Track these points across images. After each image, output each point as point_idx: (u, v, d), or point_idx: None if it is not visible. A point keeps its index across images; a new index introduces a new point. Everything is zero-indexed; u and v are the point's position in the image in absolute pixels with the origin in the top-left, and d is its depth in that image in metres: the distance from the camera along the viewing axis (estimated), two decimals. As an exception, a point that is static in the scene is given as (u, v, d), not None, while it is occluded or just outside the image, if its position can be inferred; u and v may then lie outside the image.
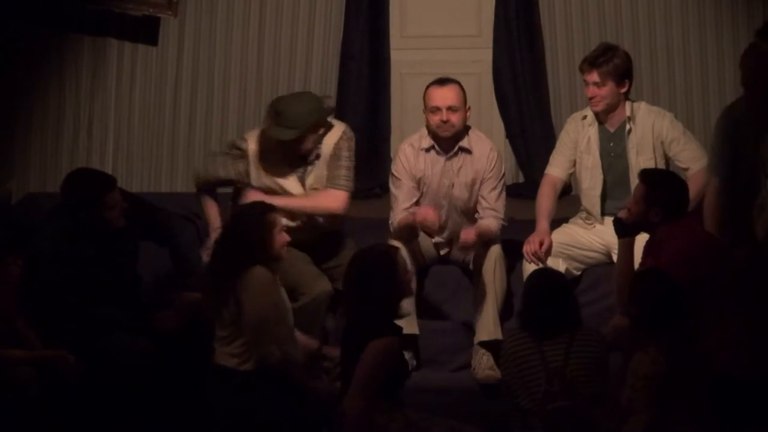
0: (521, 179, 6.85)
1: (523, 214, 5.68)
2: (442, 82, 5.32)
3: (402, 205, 5.32)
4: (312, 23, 7.36)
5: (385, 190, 6.17)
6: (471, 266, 5.35)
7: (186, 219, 6.04)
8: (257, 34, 7.24)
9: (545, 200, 5.34)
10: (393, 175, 5.50)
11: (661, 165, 5.26)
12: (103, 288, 5.34)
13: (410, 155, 5.33)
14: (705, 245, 4.71)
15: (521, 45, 7.20)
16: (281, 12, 7.39)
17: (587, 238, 5.22)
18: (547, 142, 6.61)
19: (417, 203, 5.44)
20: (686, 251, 4.60)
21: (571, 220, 5.39)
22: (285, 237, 4.59)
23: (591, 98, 5.18)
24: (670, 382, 4.24)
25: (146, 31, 7.11)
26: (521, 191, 6.55)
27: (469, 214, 5.33)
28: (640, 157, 5.25)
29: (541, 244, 5.15)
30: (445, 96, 5.23)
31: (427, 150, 5.30)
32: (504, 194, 5.28)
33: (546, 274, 4.67)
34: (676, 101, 6.88)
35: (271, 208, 4.73)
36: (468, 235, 5.08)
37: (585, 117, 5.43)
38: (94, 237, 5.31)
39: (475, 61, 7.24)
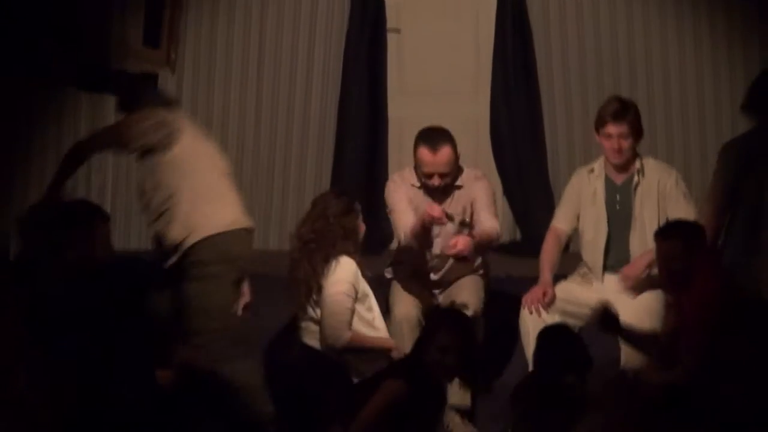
0: (518, 236, 6.87)
1: (520, 271, 5.70)
2: (433, 145, 5.24)
3: (407, 214, 5.30)
4: (310, 78, 7.45)
5: (382, 245, 6.25)
6: None
7: None
8: (255, 90, 7.34)
9: (549, 253, 5.41)
10: (387, 199, 5.52)
11: (662, 220, 5.33)
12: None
13: (399, 184, 5.34)
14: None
15: (519, 101, 7.27)
16: (279, 69, 7.52)
17: (585, 295, 5.21)
18: (545, 198, 6.67)
19: None
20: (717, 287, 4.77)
21: (569, 277, 5.39)
22: (364, 226, 4.91)
23: (617, 150, 5.26)
24: None
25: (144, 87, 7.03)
26: (518, 248, 6.58)
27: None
28: (644, 211, 5.30)
29: (544, 295, 5.19)
30: (437, 163, 5.23)
31: (418, 187, 5.33)
32: (496, 212, 5.35)
33: (559, 329, 4.68)
34: (673, 150, 6.97)
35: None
36: (458, 242, 5.03)
37: (592, 170, 5.52)
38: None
39: (473, 117, 7.29)
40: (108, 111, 7.02)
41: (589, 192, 5.51)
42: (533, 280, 5.38)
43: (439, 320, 4.71)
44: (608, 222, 5.44)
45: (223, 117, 7.07)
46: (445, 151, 5.24)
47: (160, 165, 4.97)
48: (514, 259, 6.22)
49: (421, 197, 5.32)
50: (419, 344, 4.59)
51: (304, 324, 4.90)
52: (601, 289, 5.21)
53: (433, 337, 4.59)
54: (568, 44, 7.44)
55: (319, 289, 4.78)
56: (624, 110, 5.23)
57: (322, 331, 4.81)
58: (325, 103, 7.35)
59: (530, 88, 7.29)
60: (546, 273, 5.34)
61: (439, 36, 7.60)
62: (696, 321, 4.86)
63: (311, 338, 5.03)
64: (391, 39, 7.53)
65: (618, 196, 5.46)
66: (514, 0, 7.33)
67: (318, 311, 4.87)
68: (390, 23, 7.50)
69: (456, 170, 5.31)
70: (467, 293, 5.22)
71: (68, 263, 4.95)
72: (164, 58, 7.06)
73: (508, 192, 6.91)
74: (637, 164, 5.33)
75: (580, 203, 5.56)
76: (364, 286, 4.91)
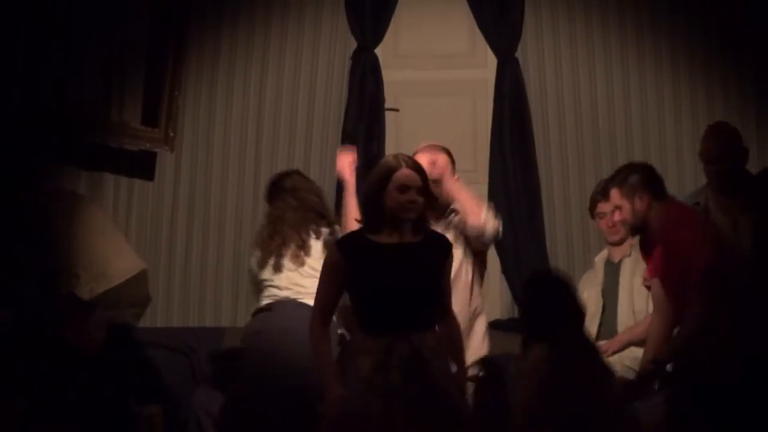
0: (516, 314, 6.86)
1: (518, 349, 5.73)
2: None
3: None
4: (308, 159, 7.43)
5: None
6: None
7: (181, 353, 6.16)
8: (252, 169, 7.34)
9: None
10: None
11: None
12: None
13: None
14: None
15: (516, 179, 7.28)
16: (277, 149, 7.49)
17: None
18: (543, 275, 6.65)
19: None
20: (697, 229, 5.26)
21: None
22: None
23: (610, 227, 5.86)
24: None
25: (143, 166, 7.20)
26: (517, 326, 6.53)
27: None
28: (634, 282, 5.77)
29: None
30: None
31: None
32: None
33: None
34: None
35: None
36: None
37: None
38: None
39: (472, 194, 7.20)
40: (106, 190, 7.17)
41: (593, 275, 6.02)
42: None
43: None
44: (603, 297, 5.83)
45: (221, 194, 7.10)
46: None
47: None
48: (513, 337, 6.20)
49: None
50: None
51: None
52: None
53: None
54: (565, 115, 7.45)
55: None
56: (610, 182, 5.46)
57: None
58: (322, 183, 7.18)
59: (528, 168, 7.32)
60: None
61: (437, 114, 7.64)
62: (678, 271, 5.23)
63: None
64: (389, 117, 7.54)
65: (614, 275, 5.82)
66: (511, 79, 7.36)
67: None
68: (389, 102, 7.51)
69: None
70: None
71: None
72: (163, 136, 7.11)
73: (506, 270, 6.96)
74: (632, 240, 5.55)
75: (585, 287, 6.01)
76: None
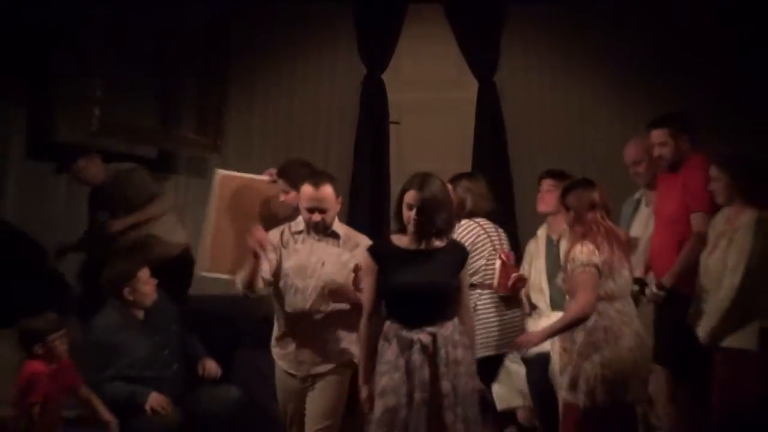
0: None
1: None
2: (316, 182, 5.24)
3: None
4: (327, 161, 7.85)
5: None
6: None
7: (226, 317, 6.66)
8: None
9: None
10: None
11: None
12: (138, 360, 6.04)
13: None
14: None
15: (495, 184, 6.95)
16: (302, 155, 7.26)
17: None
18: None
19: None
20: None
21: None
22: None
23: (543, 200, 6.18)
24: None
25: (196, 168, 7.79)
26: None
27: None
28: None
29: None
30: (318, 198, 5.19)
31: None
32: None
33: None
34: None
35: None
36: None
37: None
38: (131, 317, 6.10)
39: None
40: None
41: (535, 246, 6.31)
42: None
43: None
44: (547, 271, 6.14)
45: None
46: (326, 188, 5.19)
47: None
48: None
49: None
50: None
51: None
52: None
53: None
54: (534, 129, 7.93)
55: None
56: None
57: None
58: (340, 181, 7.39)
59: (503, 173, 7.77)
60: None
61: (430, 128, 8.26)
62: (691, 197, 5.64)
63: None
64: (393, 129, 8.06)
65: (552, 251, 6.22)
66: (490, 99, 7.86)
67: None
68: (392, 116, 8.02)
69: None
70: None
71: None
72: (212, 144, 7.83)
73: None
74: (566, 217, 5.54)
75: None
76: None
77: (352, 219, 7.30)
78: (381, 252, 4.85)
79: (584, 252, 5.24)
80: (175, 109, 7.86)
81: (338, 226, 5.29)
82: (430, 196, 4.75)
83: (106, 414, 5.90)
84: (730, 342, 5.42)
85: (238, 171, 7.29)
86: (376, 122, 7.96)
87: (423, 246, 4.82)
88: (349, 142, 7.99)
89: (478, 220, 6.04)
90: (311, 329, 5.27)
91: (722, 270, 5.43)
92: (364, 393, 4.86)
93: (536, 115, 8.00)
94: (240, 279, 5.21)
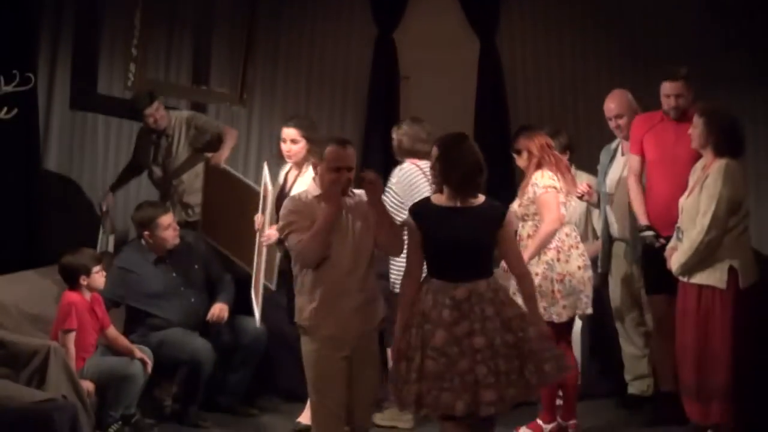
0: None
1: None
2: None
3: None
4: (344, 115, 8.25)
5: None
6: None
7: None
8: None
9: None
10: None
11: None
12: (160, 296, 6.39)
13: None
14: None
15: (494, 136, 7.78)
16: (322, 107, 8.26)
17: None
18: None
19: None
20: None
21: None
22: None
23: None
24: None
25: (225, 118, 8.03)
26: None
27: None
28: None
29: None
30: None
31: None
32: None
33: None
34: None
35: None
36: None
37: None
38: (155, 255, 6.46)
39: None
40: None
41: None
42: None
43: None
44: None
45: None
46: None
47: None
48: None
49: None
50: None
51: None
52: None
53: None
54: (529, 82, 8.27)
55: None
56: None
57: None
58: (353, 134, 8.08)
59: (503, 126, 8.07)
60: None
61: (437, 84, 8.38)
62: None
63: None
64: (403, 84, 8.34)
65: None
66: (491, 58, 8.22)
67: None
68: (402, 73, 8.33)
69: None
70: None
71: None
72: (238, 97, 8.17)
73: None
74: None
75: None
76: None
77: (365, 161, 7.61)
78: (421, 211, 4.89)
79: (544, 177, 5.84)
80: (206, 67, 8.21)
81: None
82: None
83: (136, 351, 6.21)
84: (699, 279, 5.75)
85: (261, 123, 8.05)
86: (388, 78, 8.26)
87: (459, 204, 4.86)
88: (363, 97, 8.32)
89: (418, 162, 6.29)
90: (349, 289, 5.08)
91: (696, 212, 5.69)
92: (397, 345, 4.86)
93: (533, 71, 8.34)
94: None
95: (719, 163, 5.72)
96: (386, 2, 8.32)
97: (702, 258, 5.70)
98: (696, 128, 5.80)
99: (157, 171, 7.28)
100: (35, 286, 6.73)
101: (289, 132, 6.25)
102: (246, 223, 6.43)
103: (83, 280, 6.15)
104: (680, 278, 5.84)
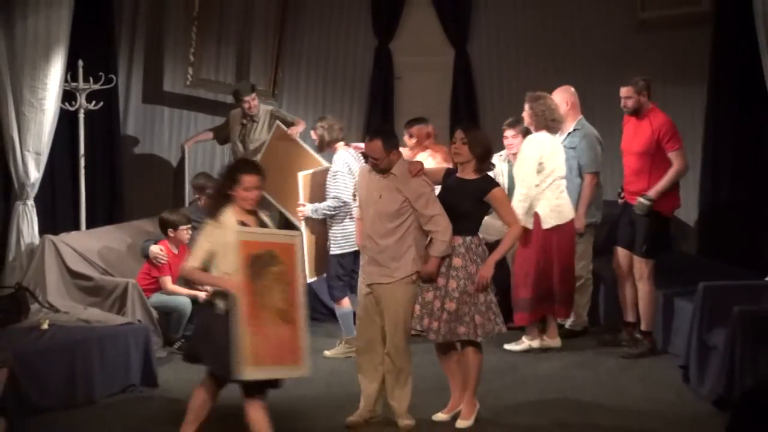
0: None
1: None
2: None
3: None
4: (352, 108, 9.37)
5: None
6: None
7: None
8: (320, 113, 8.66)
9: None
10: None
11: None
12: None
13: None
14: None
15: (468, 119, 8.70)
16: (335, 102, 9.38)
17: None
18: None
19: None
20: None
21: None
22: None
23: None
24: None
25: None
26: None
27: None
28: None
29: None
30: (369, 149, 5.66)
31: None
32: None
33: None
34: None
35: None
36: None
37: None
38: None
39: (443, 133, 8.45)
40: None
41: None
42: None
43: None
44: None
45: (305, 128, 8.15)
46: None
47: None
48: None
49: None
50: None
51: None
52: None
53: None
54: (494, 81, 9.33)
55: None
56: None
57: None
58: (351, 130, 9.13)
59: (473, 116, 9.21)
60: None
61: (422, 80, 9.62)
62: (666, 140, 6.66)
63: None
64: (396, 83, 9.55)
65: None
66: (464, 63, 9.38)
67: None
68: (396, 73, 9.54)
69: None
70: None
71: None
72: (271, 93, 9.40)
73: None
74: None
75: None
76: None
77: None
78: (445, 176, 5.66)
79: (431, 161, 6.78)
80: (246, 68, 9.42)
81: (397, 167, 5.69)
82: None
83: (199, 294, 6.78)
84: (526, 223, 6.92)
85: (287, 114, 8.62)
86: (385, 78, 9.56)
87: (464, 176, 5.55)
88: (365, 93, 9.64)
89: (349, 150, 7.23)
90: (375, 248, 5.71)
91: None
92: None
93: (502, 76, 9.51)
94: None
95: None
96: (384, 20, 9.55)
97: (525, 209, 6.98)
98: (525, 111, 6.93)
99: (240, 147, 8.40)
100: (115, 237, 7.66)
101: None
102: (295, 181, 7.16)
103: (171, 233, 7.09)
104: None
